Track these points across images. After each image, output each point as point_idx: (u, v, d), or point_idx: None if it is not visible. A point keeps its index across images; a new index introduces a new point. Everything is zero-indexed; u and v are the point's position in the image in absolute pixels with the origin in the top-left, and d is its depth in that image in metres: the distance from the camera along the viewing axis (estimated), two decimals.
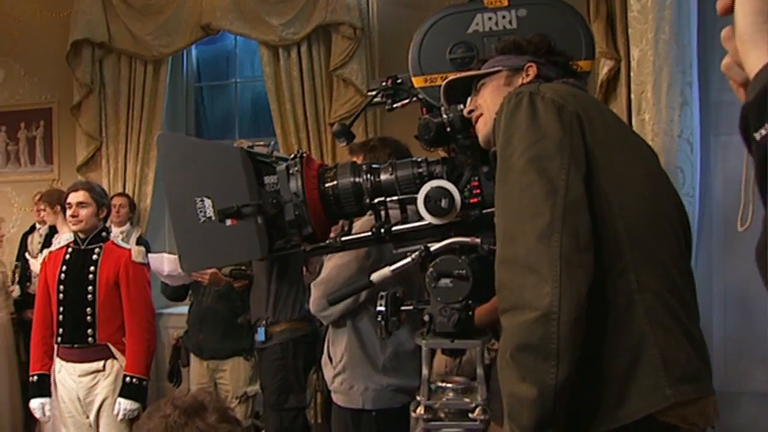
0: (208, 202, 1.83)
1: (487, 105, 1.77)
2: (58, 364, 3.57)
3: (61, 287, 3.54)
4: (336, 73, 5.30)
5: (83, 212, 3.51)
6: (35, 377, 3.56)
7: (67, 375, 3.53)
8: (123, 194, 5.55)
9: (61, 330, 3.52)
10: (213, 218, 1.83)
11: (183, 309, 4.58)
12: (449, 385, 1.95)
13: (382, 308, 1.94)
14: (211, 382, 4.01)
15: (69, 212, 3.55)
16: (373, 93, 2.25)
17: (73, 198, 3.52)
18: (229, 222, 1.83)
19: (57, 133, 6.25)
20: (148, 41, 5.78)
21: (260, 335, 3.54)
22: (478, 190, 1.91)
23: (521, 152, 1.45)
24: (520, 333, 1.36)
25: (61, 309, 3.52)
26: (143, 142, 5.79)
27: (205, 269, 3.44)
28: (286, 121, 5.39)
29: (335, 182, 1.94)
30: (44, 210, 5.28)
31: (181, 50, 5.95)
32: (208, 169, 1.86)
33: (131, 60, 5.89)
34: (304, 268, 3.70)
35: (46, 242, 5.16)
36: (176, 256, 3.84)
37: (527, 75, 1.76)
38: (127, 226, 5.41)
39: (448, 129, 1.90)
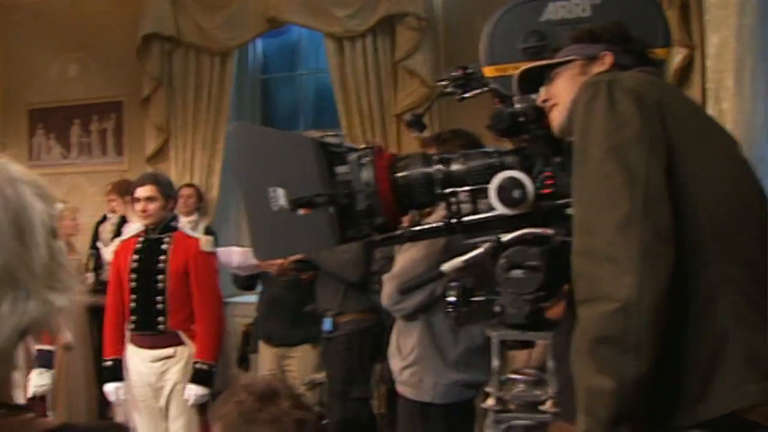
0: (280, 192, 1.84)
1: (561, 94, 1.74)
2: (131, 350, 3.66)
3: (133, 276, 3.63)
4: (401, 65, 5.30)
5: (151, 206, 3.58)
6: (109, 362, 3.66)
7: (139, 361, 3.62)
8: (191, 185, 5.66)
9: (133, 317, 3.60)
10: (285, 208, 1.84)
11: (249, 298, 4.65)
12: (520, 377, 1.94)
13: (453, 299, 1.94)
14: (279, 368, 4.06)
15: (138, 206, 3.63)
16: (444, 83, 2.23)
17: (141, 193, 3.59)
18: (301, 211, 1.84)
19: (127, 126, 6.40)
20: (215, 34, 5.88)
21: (327, 325, 3.58)
22: (551, 181, 1.88)
23: (599, 142, 1.43)
24: (599, 325, 1.34)
25: (133, 297, 3.61)
26: (211, 133, 5.90)
27: (278, 258, 3.48)
28: (352, 113, 5.42)
29: (406, 172, 1.94)
30: (115, 200, 5.42)
31: (248, 43, 6.03)
32: (280, 158, 1.88)
33: (199, 53, 6.00)
34: None
35: (117, 231, 5.29)
36: (244, 249, 3.92)
37: (603, 64, 1.72)
38: (195, 215, 5.51)
39: (522, 119, 1.87)
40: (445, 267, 1.97)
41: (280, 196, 1.84)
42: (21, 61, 6.71)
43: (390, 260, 3.40)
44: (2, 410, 0.79)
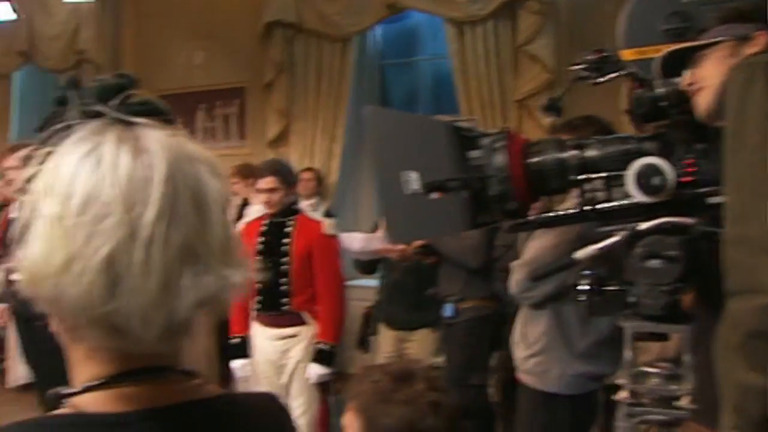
0: (414, 175, 1.85)
1: (709, 78, 1.66)
2: (256, 328, 3.77)
3: (258, 258, 3.72)
4: (522, 50, 5.22)
5: (274, 197, 3.68)
6: (237, 339, 3.79)
7: (263, 339, 3.73)
8: (311, 169, 5.77)
9: (258, 298, 3.70)
10: (419, 191, 1.84)
11: (368, 282, 4.71)
12: (655, 371, 1.88)
13: (586, 287, 1.90)
14: (397, 351, 4.09)
15: (261, 197, 3.74)
16: (578, 67, 2.18)
17: (263, 184, 3.69)
18: (434, 195, 1.84)
19: (250, 111, 6.59)
20: (336, 21, 5.95)
21: (448, 311, 3.58)
22: (693, 168, 1.81)
23: (756, 126, 1.36)
24: (753, 318, 1.28)
25: (259, 278, 3.70)
26: (330, 118, 5.99)
27: (411, 241, 3.50)
28: (471, 99, 5.39)
29: (540, 158, 1.90)
30: (237, 183, 5.59)
31: (368, 29, 6.08)
32: (414, 142, 1.89)
33: (320, 39, 6.09)
34: None
35: (239, 213, 5.45)
36: (366, 234, 3.97)
37: (756, 44, 1.63)
38: (315, 199, 5.62)
39: (663, 103, 1.81)
40: (579, 255, 1.93)
41: (413, 180, 1.85)
42: (151, 49, 7.02)
43: (510, 248, 3.36)
44: (178, 375, 0.83)
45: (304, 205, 4.97)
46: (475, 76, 5.39)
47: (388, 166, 1.88)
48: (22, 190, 0.76)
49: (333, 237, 3.74)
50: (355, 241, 3.97)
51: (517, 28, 5.29)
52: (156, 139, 0.78)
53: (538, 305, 2.61)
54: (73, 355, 0.81)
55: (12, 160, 4.29)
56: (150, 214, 0.72)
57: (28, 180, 0.76)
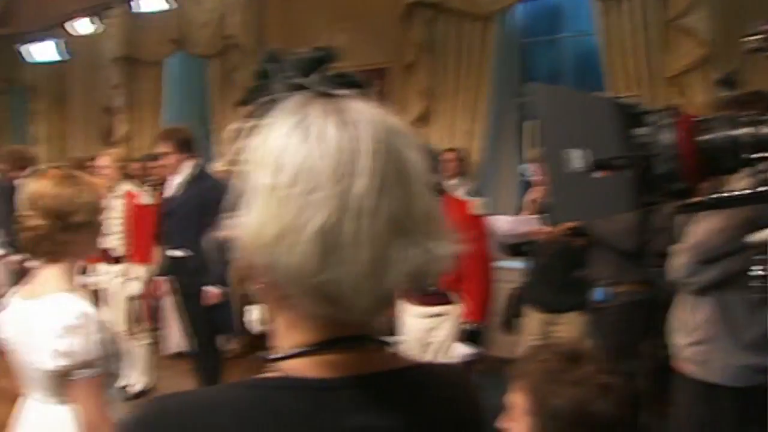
0: (579, 153, 1.80)
1: None
2: (404, 306, 3.81)
3: None
4: (674, 23, 4.98)
5: None
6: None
7: (410, 317, 3.76)
8: (453, 149, 5.75)
9: None
10: (582, 170, 1.79)
11: (514, 263, 4.67)
12: None
13: (760, 274, 1.79)
14: (543, 334, 4.04)
15: None
16: (752, 39, 2.05)
17: None
18: (598, 174, 1.79)
19: (392, 91, 6.64)
20: None
21: (600, 294, 3.49)
22: None
23: None
24: None
25: None
26: (472, 98, 5.94)
27: (573, 222, 3.44)
28: (619, 76, 5.20)
29: (711, 135, 1.81)
30: None
31: (509, 7, 5.98)
32: (580, 119, 1.83)
33: (461, 18, 6.05)
34: None
35: None
36: (514, 217, 3.95)
37: None
38: (458, 179, 5.60)
39: None
40: (753, 238, 1.83)
41: (577, 158, 1.80)
42: (295, 31, 7.18)
43: (663, 231, 3.23)
44: (377, 344, 0.85)
45: (448, 185, 4.97)
46: (623, 53, 5.20)
47: (554, 144, 1.83)
48: (233, 162, 0.79)
49: (480, 217, 3.73)
50: (503, 223, 3.95)
51: (669, 1, 5.05)
52: (359, 111, 0.78)
53: (700, 291, 2.49)
54: (280, 322, 0.83)
55: (165, 145, 4.54)
56: (359, 185, 0.73)
57: (239, 152, 0.78)
